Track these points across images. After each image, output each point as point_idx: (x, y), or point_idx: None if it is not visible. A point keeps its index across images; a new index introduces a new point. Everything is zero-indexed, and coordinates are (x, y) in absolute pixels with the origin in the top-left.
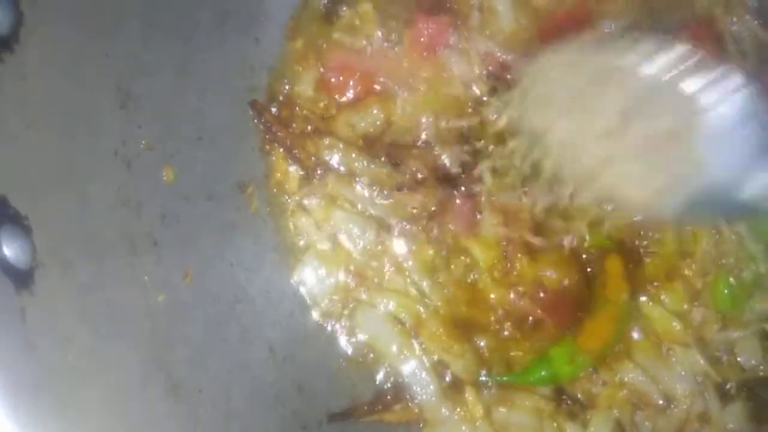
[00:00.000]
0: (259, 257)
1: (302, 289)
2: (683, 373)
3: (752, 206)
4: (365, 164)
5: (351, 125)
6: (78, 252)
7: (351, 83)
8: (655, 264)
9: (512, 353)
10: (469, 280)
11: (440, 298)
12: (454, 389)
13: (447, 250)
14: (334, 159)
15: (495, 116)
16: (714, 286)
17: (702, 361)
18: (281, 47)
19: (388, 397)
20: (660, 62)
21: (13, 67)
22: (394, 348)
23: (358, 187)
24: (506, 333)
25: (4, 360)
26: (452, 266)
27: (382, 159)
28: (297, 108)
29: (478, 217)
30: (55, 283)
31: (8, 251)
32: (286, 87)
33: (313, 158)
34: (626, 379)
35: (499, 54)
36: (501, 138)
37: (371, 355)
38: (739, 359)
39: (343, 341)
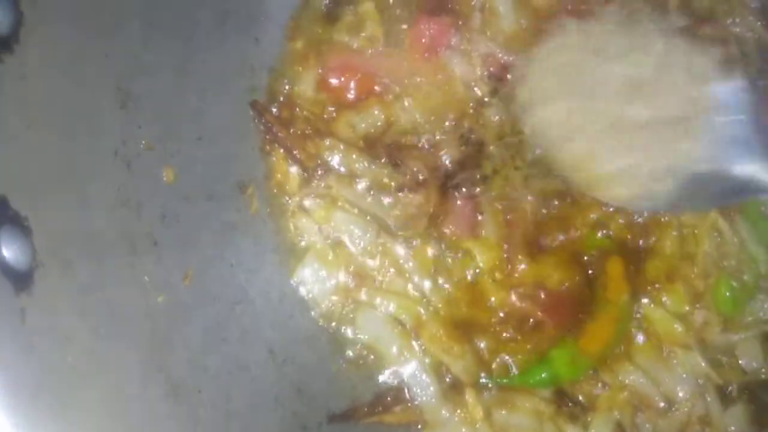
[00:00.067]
0: (259, 258)
1: (302, 290)
2: (684, 375)
3: (743, 194)
4: (366, 165)
5: (351, 126)
6: (78, 252)
7: (352, 84)
8: (656, 266)
9: (512, 355)
10: (469, 282)
11: (440, 299)
12: (454, 391)
13: (447, 251)
14: (335, 160)
15: (496, 117)
16: (715, 289)
17: (703, 364)
18: (281, 47)
19: (388, 398)
20: (663, 44)
21: (13, 68)
22: (395, 349)
23: (359, 188)
24: (506, 334)
25: (3, 361)
26: (453, 267)
27: (383, 160)
28: (297, 108)
29: (479, 218)
30: (54, 283)
31: (8, 252)
32: (287, 87)
33: (314, 159)
34: (627, 381)
35: (500, 55)
36: (502, 138)
37: (371, 357)
38: (740, 362)
39: (343, 342)
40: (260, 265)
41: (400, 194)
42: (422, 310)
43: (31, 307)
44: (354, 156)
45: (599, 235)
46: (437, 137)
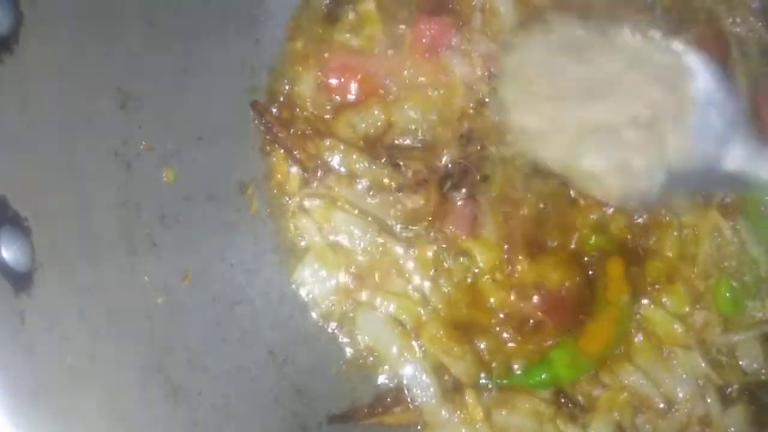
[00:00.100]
0: (259, 258)
1: (302, 291)
2: (684, 376)
3: (732, 178)
4: (366, 165)
5: (352, 126)
6: (77, 253)
7: (352, 84)
8: (656, 266)
9: (512, 355)
10: (469, 282)
11: (440, 299)
12: (454, 392)
13: (448, 251)
14: (335, 160)
15: (497, 117)
16: (716, 289)
17: (703, 364)
18: (282, 47)
19: (388, 399)
20: (642, 38)
21: (12, 68)
22: (394, 350)
23: (359, 189)
24: (507, 335)
25: (3, 362)
26: (453, 268)
27: (383, 160)
28: (297, 109)
29: (479, 218)
30: (54, 285)
31: (7, 253)
32: (287, 87)
33: (314, 159)
34: (627, 381)
35: (500, 55)
36: (502, 139)
37: (371, 357)
38: (740, 362)
39: (343, 343)
40: (260, 265)
41: (400, 194)
42: (422, 311)
43: (30, 308)
44: (354, 156)
45: (599, 236)
46: (437, 138)
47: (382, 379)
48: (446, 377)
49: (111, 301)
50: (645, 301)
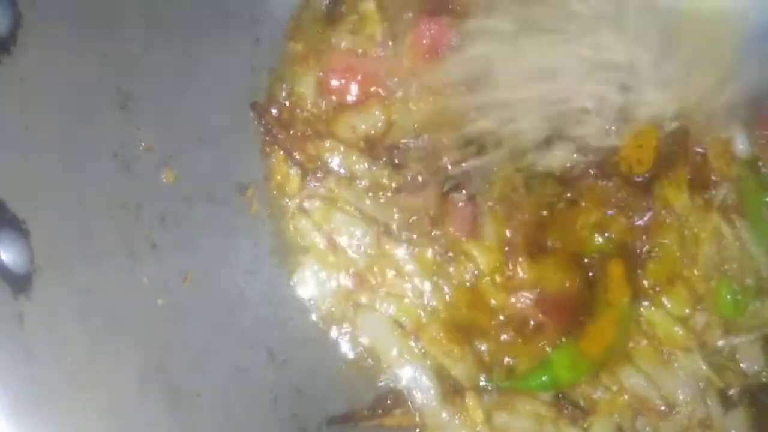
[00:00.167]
0: (258, 260)
1: (302, 292)
2: (685, 378)
3: None
4: (366, 167)
5: (352, 127)
6: (76, 255)
7: (352, 85)
8: (656, 268)
9: (513, 357)
10: (469, 284)
11: (441, 301)
12: (454, 394)
13: (448, 253)
14: (335, 161)
15: None
16: (717, 292)
17: (704, 367)
18: (282, 48)
19: (388, 401)
20: None
21: (11, 69)
22: (395, 352)
23: (359, 190)
24: (507, 337)
25: (2, 365)
26: (453, 270)
27: (383, 161)
28: (297, 110)
29: (479, 220)
30: (53, 287)
31: (6, 256)
32: (287, 88)
33: (314, 161)
34: (627, 384)
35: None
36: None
37: (371, 359)
38: (741, 365)
39: (342, 345)
40: (260, 266)
41: (400, 196)
42: (422, 313)
43: (29, 310)
44: (354, 157)
45: (600, 237)
46: (438, 138)
47: (382, 381)
48: (447, 379)
49: (110, 302)
50: (645, 303)
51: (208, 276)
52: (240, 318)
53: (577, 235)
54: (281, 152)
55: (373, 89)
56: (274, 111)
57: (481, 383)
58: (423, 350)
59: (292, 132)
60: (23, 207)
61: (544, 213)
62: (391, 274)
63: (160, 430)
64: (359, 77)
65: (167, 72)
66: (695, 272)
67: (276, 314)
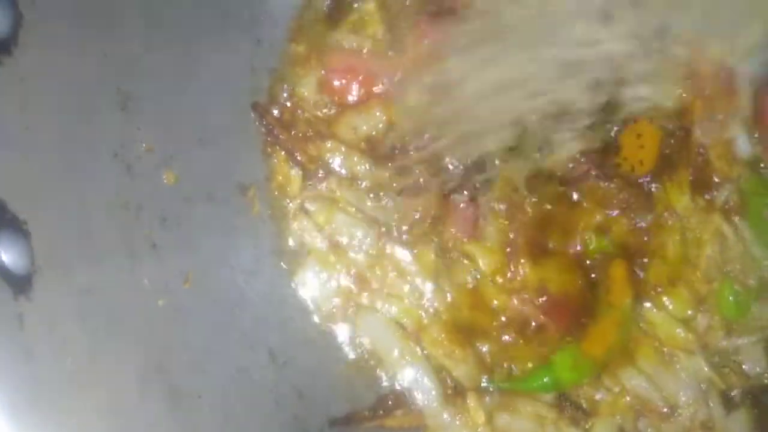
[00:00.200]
0: (259, 260)
1: (303, 293)
2: (687, 379)
3: None
4: (367, 167)
5: (353, 128)
6: (77, 256)
7: (353, 85)
8: (658, 269)
9: (514, 359)
10: (471, 285)
11: (442, 302)
12: (455, 395)
13: (449, 254)
14: (336, 162)
15: None
16: (719, 293)
17: (706, 368)
18: (283, 48)
19: (390, 402)
20: None
21: (11, 70)
22: (396, 353)
23: (360, 191)
24: (508, 338)
25: (2, 366)
26: (454, 271)
27: (385, 162)
28: (299, 110)
29: (481, 221)
30: (53, 288)
31: (6, 256)
32: (288, 89)
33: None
34: (629, 385)
35: None
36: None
37: (372, 360)
38: (743, 366)
39: (344, 346)
40: (261, 267)
41: (401, 197)
42: (424, 314)
43: (29, 311)
44: (355, 158)
45: (602, 239)
46: (439, 139)
47: (383, 382)
48: (448, 380)
49: (111, 303)
50: (647, 305)
51: (209, 276)
52: (240, 318)
53: (578, 236)
54: (282, 153)
55: (374, 90)
56: (275, 111)
57: (482, 384)
58: (424, 351)
59: (293, 132)
60: (24, 207)
61: (546, 214)
62: (392, 275)
63: (160, 431)
64: (360, 77)
65: (167, 72)
66: (697, 273)
67: (277, 315)
